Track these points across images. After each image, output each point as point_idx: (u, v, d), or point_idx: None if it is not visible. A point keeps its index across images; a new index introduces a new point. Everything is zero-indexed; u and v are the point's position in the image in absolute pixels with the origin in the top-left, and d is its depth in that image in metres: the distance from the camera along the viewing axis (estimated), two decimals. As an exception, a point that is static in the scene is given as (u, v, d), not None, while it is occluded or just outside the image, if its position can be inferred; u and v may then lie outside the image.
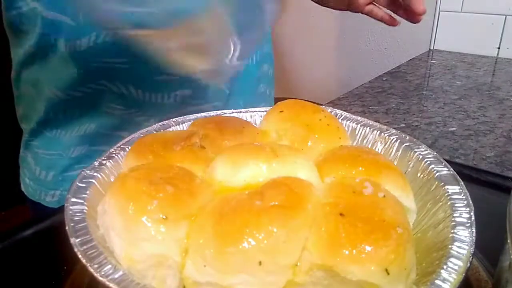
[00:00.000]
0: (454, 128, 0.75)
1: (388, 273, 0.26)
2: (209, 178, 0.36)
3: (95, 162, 0.40)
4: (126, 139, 0.44)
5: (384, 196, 0.30)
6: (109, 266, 0.27)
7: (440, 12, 1.27)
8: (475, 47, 1.25)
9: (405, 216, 0.31)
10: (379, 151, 0.45)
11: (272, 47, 0.85)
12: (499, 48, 1.22)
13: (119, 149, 0.43)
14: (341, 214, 0.28)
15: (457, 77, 1.05)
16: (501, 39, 1.21)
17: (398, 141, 0.44)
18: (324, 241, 0.27)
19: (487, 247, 0.42)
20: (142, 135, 0.45)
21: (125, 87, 0.65)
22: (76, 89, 0.64)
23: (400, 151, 0.43)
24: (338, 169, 0.36)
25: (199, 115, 0.50)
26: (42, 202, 0.72)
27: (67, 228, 0.30)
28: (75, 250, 0.29)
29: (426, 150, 0.41)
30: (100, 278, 0.26)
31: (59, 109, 0.66)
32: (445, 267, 0.28)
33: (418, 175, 0.39)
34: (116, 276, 0.27)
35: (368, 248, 0.26)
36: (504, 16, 1.18)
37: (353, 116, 0.49)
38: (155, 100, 0.66)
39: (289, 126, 0.43)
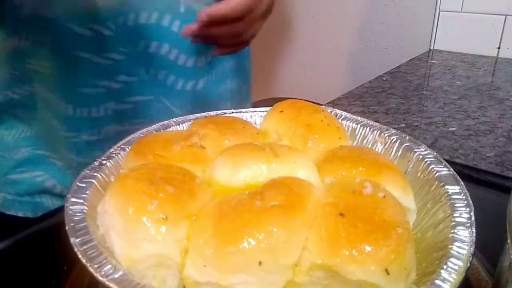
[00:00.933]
0: (454, 128, 0.75)
1: (388, 273, 0.26)
2: (209, 178, 0.36)
3: (95, 162, 0.40)
4: (126, 139, 0.44)
5: (384, 196, 0.30)
6: (109, 266, 0.27)
7: (440, 12, 1.27)
8: (475, 47, 1.25)
9: (405, 216, 0.31)
10: (379, 151, 0.45)
11: (245, 61, 0.81)
12: (499, 48, 1.22)
13: (119, 149, 0.43)
14: (341, 214, 0.28)
15: (457, 77, 1.05)
16: (501, 39, 1.21)
17: (398, 141, 0.44)
18: (324, 241, 0.27)
19: (487, 247, 0.42)
20: (142, 135, 0.45)
21: (52, 94, 0.61)
22: (12, 90, 0.62)
23: (400, 151, 0.43)
24: (338, 169, 0.36)
25: (199, 115, 0.50)
26: None
27: (67, 228, 0.30)
28: (75, 250, 0.29)
29: (426, 150, 0.41)
30: (100, 278, 0.26)
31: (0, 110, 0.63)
32: (445, 267, 0.28)
33: (418, 175, 0.39)
34: (116, 276, 0.27)
35: (368, 248, 0.26)
36: (504, 16, 1.18)
37: (353, 116, 0.49)
38: (80, 115, 0.61)
39: (289, 126, 0.43)
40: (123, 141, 0.44)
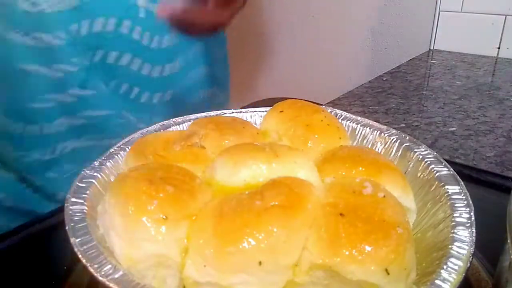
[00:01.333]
0: (454, 128, 0.75)
1: (388, 273, 0.26)
2: (209, 178, 0.36)
3: (95, 162, 0.40)
4: (126, 139, 0.44)
5: (384, 196, 0.30)
6: (109, 266, 0.27)
7: (440, 12, 1.27)
8: (475, 47, 1.25)
9: (405, 216, 0.31)
10: (379, 151, 0.45)
11: (220, 67, 0.76)
12: (499, 48, 1.22)
13: (118, 149, 0.42)
14: (341, 214, 0.28)
15: (457, 77, 1.04)
16: (501, 39, 1.21)
17: (398, 141, 0.44)
18: (324, 241, 0.27)
19: (487, 247, 0.42)
20: (142, 135, 0.45)
21: None
22: None
23: (400, 151, 0.43)
24: (338, 169, 0.36)
25: (199, 115, 0.50)
26: None
27: (67, 228, 0.30)
28: (75, 250, 0.28)
29: (426, 150, 0.41)
30: (100, 278, 0.26)
31: None
32: (445, 267, 0.28)
33: (418, 175, 0.39)
34: (116, 276, 0.27)
35: (368, 248, 0.26)
36: (504, 16, 1.18)
37: (353, 116, 0.49)
38: (30, 133, 0.56)
39: (289, 126, 0.43)
40: (123, 141, 0.44)
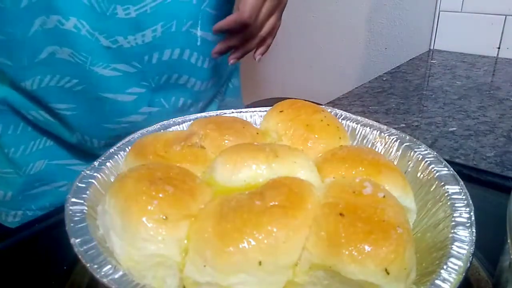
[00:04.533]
0: (454, 128, 0.75)
1: (388, 273, 0.26)
2: (209, 178, 0.35)
3: (95, 162, 0.40)
4: (126, 139, 0.44)
5: (384, 196, 0.30)
6: (109, 266, 0.27)
7: (440, 12, 1.27)
8: (475, 47, 1.25)
9: (405, 216, 0.31)
10: (379, 151, 0.45)
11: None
12: (499, 48, 1.22)
13: (118, 149, 0.43)
14: (341, 214, 0.28)
15: (457, 77, 1.05)
16: (501, 39, 1.21)
17: (398, 141, 0.44)
18: (324, 241, 0.27)
19: (487, 247, 0.42)
20: (142, 135, 0.45)
21: (71, 132, 0.65)
22: (29, 112, 0.63)
23: (400, 151, 0.43)
24: (338, 169, 0.36)
25: (199, 115, 0.50)
26: (4, 222, 0.69)
27: (67, 228, 0.30)
28: (75, 250, 0.28)
29: (426, 150, 0.41)
30: (100, 278, 0.26)
31: (8, 127, 0.65)
32: (445, 267, 0.28)
33: (418, 175, 0.39)
34: (116, 276, 0.27)
35: (368, 248, 0.26)
36: (504, 16, 1.18)
37: (353, 116, 0.49)
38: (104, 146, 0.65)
39: (289, 126, 0.43)
40: (123, 142, 0.44)
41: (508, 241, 0.29)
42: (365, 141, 0.47)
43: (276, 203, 0.28)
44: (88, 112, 0.62)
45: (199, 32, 0.66)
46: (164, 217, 0.28)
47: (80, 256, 0.28)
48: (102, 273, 0.27)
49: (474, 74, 1.07)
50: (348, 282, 0.27)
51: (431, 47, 1.30)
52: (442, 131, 0.73)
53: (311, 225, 0.28)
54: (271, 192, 0.29)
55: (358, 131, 0.47)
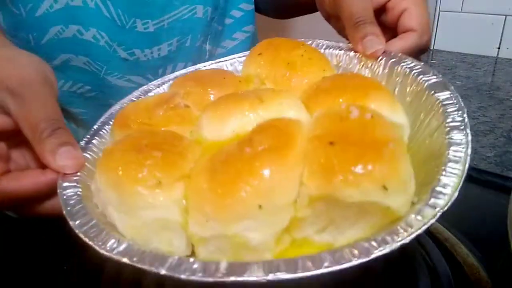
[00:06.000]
0: (454, 128, 0.75)
1: (386, 189, 0.26)
2: (198, 136, 0.35)
3: (81, 142, 0.39)
4: (108, 113, 0.43)
5: (372, 116, 0.29)
6: (113, 240, 0.27)
7: (440, 12, 1.26)
8: (475, 47, 1.25)
9: (396, 130, 0.30)
10: (365, 73, 0.43)
11: None
12: (499, 48, 1.21)
13: (102, 124, 0.42)
14: (331, 143, 0.28)
15: (457, 77, 1.04)
16: (501, 39, 1.20)
17: (384, 58, 0.42)
18: (318, 172, 0.27)
19: (487, 247, 0.42)
20: (122, 105, 0.44)
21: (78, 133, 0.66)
22: None
23: (387, 68, 0.41)
24: (325, 101, 0.35)
25: (177, 73, 0.49)
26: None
27: (64, 212, 0.30)
28: (76, 232, 0.28)
29: (412, 62, 0.40)
30: (107, 254, 0.26)
31: None
32: (444, 173, 0.27)
33: (408, 88, 0.38)
34: (121, 248, 0.27)
35: (362, 169, 0.26)
36: (504, 16, 1.18)
37: (335, 43, 0.47)
38: None
39: (269, 69, 0.42)
40: (105, 116, 0.43)
41: (510, 241, 0.29)
42: (350, 66, 0.45)
43: (265, 146, 0.28)
44: (98, 118, 0.65)
45: (208, 47, 0.70)
46: (158, 182, 0.28)
47: (82, 236, 0.28)
48: (108, 248, 0.27)
49: (474, 74, 1.07)
50: (349, 208, 0.27)
51: (431, 47, 1.30)
52: (442, 131, 0.73)
53: (303, 160, 0.28)
54: (258, 136, 0.29)
55: (342, 58, 0.46)
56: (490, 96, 0.91)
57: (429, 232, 0.47)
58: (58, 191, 0.32)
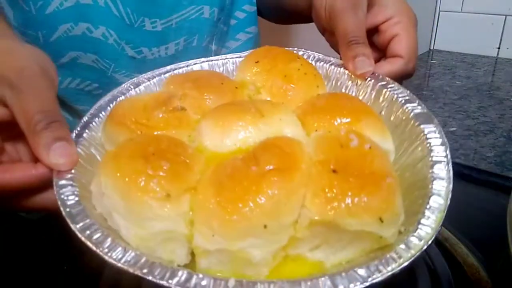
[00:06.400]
0: (454, 128, 0.76)
1: (382, 221, 0.28)
2: (199, 145, 0.35)
3: (72, 135, 0.37)
4: (97, 104, 0.42)
5: (370, 147, 0.32)
6: (120, 248, 0.27)
7: (440, 12, 1.27)
8: (475, 47, 1.25)
9: (391, 163, 0.33)
10: (353, 92, 0.45)
11: None
12: (499, 48, 1.22)
13: (91, 115, 0.41)
14: (333, 171, 0.29)
15: (457, 77, 1.05)
16: (501, 39, 1.21)
17: (372, 80, 0.44)
18: (320, 198, 0.29)
19: (487, 247, 0.42)
20: (112, 97, 0.43)
21: None
22: None
23: (375, 91, 0.43)
24: (320, 121, 0.37)
25: (169, 67, 0.49)
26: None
27: (63, 214, 0.30)
28: (79, 236, 0.28)
29: (399, 89, 0.42)
30: (113, 263, 0.27)
31: None
32: (428, 206, 0.30)
33: (393, 115, 0.40)
34: (129, 258, 0.27)
35: (362, 201, 0.28)
36: (504, 16, 1.18)
37: (326, 57, 0.49)
38: None
39: (266, 78, 0.43)
40: (94, 107, 0.42)
41: (509, 240, 0.29)
42: (339, 83, 0.46)
43: (272, 167, 0.29)
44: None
45: (213, 47, 0.71)
46: (166, 194, 0.29)
47: (87, 242, 0.28)
48: (115, 257, 0.27)
49: (474, 74, 1.07)
50: (345, 233, 0.29)
51: (431, 47, 1.30)
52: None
53: (307, 183, 0.30)
54: (264, 156, 0.30)
55: (332, 73, 0.47)
56: (490, 96, 0.91)
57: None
58: (55, 189, 0.32)
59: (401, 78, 0.48)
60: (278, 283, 0.25)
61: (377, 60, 0.48)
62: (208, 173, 0.31)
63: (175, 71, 0.48)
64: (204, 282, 0.25)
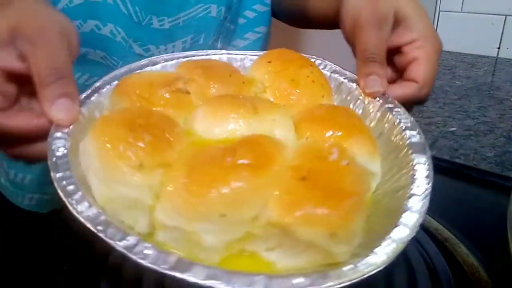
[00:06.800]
0: (454, 128, 0.76)
1: (333, 237, 0.28)
2: (190, 127, 0.37)
3: (81, 96, 0.40)
4: (112, 74, 0.44)
5: (348, 163, 0.32)
6: (86, 203, 0.29)
7: (440, 12, 1.26)
8: (475, 47, 1.25)
9: (364, 184, 0.33)
10: (360, 109, 0.45)
11: None
12: (499, 48, 1.22)
13: (104, 82, 0.43)
14: (303, 178, 0.30)
15: (457, 77, 1.05)
16: (501, 39, 1.21)
17: (380, 101, 0.44)
18: (283, 201, 0.29)
19: (487, 247, 0.42)
20: (128, 70, 0.45)
21: None
22: None
23: (380, 112, 0.43)
24: (313, 129, 0.37)
25: (189, 53, 0.50)
26: (20, 205, 0.71)
27: (49, 163, 0.32)
28: (55, 184, 0.30)
29: (404, 114, 0.41)
30: (76, 215, 0.29)
31: None
32: (390, 235, 0.30)
33: (392, 138, 0.40)
34: (91, 214, 0.29)
35: (318, 213, 0.28)
36: (504, 16, 1.18)
37: (343, 70, 0.49)
38: None
39: (274, 79, 0.44)
40: (109, 75, 0.44)
41: (509, 240, 0.29)
42: (349, 97, 0.47)
43: (245, 161, 0.30)
44: None
45: (219, 45, 0.72)
46: (139, 164, 0.30)
47: (58, 191, 0.30)
48: (78, 209, 0.29)
49: (474, 74, 1.07)
50: (298, 241, 0.29)
51: (431, 47, 1.30)
52: (442, 131, 0.73)
53: (274, 185, 0.30)
54: (242, 149, 0.31)
55: (344, 86, 0.47)
56: (490, 96, 0.91)
57: (429, 232, 0.47)
58: (48, 139, 0.34)
59: (413, 103, 0.47)
60: (212, 269, 0.26)
61: (393, 81, 0.48)
62: (188, 155, 0.32)
63: (193, 58, 0.49)
64: (148, 251, 0.27)
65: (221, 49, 0.71)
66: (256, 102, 0.37)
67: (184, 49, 0.67)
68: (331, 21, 0.58)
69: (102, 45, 0.62)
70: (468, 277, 0.40)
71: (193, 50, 0.67)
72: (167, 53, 0.65)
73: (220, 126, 0.35)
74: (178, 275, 0.26)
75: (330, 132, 0.37)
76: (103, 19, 0.60)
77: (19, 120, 0.35)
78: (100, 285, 0.38)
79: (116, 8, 0.60)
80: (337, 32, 0.55)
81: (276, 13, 0.77)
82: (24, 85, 0.38)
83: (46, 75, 0.35)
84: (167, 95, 0.39)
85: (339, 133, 0.36)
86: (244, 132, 0.35)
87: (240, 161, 0.30)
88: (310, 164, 0.31)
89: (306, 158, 0.32)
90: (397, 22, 0.46)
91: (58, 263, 0.41)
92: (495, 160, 0.63)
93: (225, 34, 0.72)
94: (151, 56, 0.60)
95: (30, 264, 0.43)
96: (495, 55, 1.21)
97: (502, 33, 1.19)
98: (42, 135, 0.35)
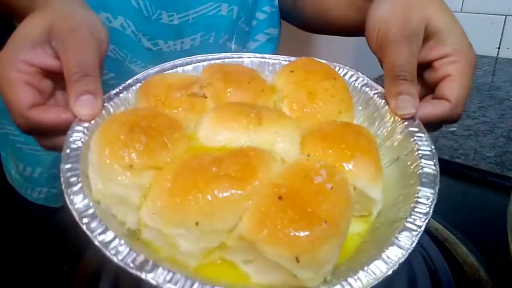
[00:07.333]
0: (454, 128, 0.75)
1: (298, 261, 0.27)
2: (193, 132, 0.38)
3: (112, 92, 0.43)
4: (144, 72, 0.46)
5: (332, 188, 0.30)
6: (81, 195, 0.31)
7: (440, 12, 1.26)
8: (475, 47, 1.25)
9: (346, 212, 0.31)
10: (385, 128, 0.43)
11: None
12: (499, 48, 1.21)
13: (135, 81, 0.45)
14: (279, 198, 0.29)
15: (457, 77, 1.04)
16: (501, 39, 1.20)
17: (405, 123, 0.41)
18: (256, 218, 0.29)
19: (487, 247, 0.42)
20: (159, 69, 0.47)
21: None
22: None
23: (403, 135, 0.40)
24: (317, 146, 0.36)
25: (222, 54, 0.50)
26: (29, 197, 0.74)
27: (62, 153, 0.34)
28: (60, 175, 0.33)
29: (426, 141, 0.39)
30: (68, 203, 0.31)
31: None
32: (366, 268, 0.29)
33: (406, 166, 0.38)
34: (81, 205, 0.31)
35: (287, 234, 0.28)
36: (504, 16, 1.17)
37: (374, 84, 0.47)
38: None
39: (293, 89, 0.43)
40: (141, 74, 0.46)
41: (509, 240, 0.29)
42: (375, 114, 0.44)
43: (228, 173, 0.30)
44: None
45: (233, 46, 0.71)
46: (130, 165, 0.32)
47: (61, 180, 0.32)
48: (71, 199, 0.31)
49: (474, 74, 1.07)
50: (267, 261, 0.29)
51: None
52: (442, 131, 0.73)
53: (252, 199, 0.30)
54: (228, 160, 0.31)
55: (372, 102, 0.45)
56: (490, 96, 0.91)
57: (429, 232, 0.47)
58: (68, 132, 0.37)
59: (444, 122, 0.43)
60: (174, 274, 0.27)
61: (422, 97, 0.44)
62: (180, 159, 0.33)
63: (226, 60, 0.50)
64: (120, 248, 0.29)
65: (235, 50, 0.70)
66: (263, 113, 0.37)
67: (193, 47, 0.67)
68: (355, 30, 0.56)
69: (112, 38, 0.63)
70: (468, 277, 0.40)
71: (203, 49, 0.67)
72: (175, 48, 0.66)
73: (220, 134, 0.36)
74: (142, 275, 0.27)
75: (332, 151, 0.35)
76: (114, 11, 0.61)
77: (50, 114, 0.39)
78: (100, 285, 0.39)
79: (126, 1, 0.61)
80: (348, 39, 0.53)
81: (289, 17, 0.76)
82: (59, 81, 0.41)
83: (73, 73, 0.38)
84: (181, 99, 0.40)
85: (342, 153, 0.35)
86: (242, 142, 0.35)
87: (224, 172, 0.30)
88: (291, 184, 0.30)
89: (289, 177, 0.31)
90: (428, 35, 0.43)
91: (58, 263, 0.41)
92: (495, 160, 0.63)
93: (240, 34, 0.71)
94: (160, 51, 0.61)
95: (30, 264, 0.43)
96: (495, 55, 1.21)
97: (502, 33, 1.19)
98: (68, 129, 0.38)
